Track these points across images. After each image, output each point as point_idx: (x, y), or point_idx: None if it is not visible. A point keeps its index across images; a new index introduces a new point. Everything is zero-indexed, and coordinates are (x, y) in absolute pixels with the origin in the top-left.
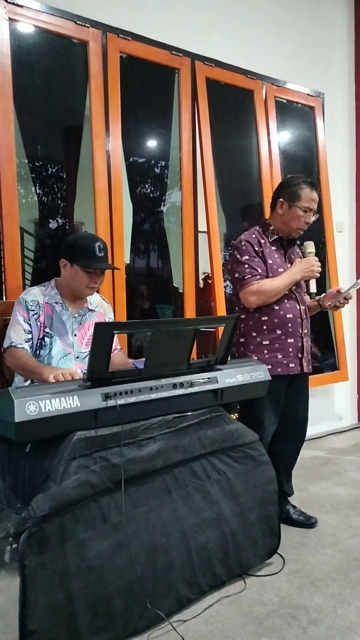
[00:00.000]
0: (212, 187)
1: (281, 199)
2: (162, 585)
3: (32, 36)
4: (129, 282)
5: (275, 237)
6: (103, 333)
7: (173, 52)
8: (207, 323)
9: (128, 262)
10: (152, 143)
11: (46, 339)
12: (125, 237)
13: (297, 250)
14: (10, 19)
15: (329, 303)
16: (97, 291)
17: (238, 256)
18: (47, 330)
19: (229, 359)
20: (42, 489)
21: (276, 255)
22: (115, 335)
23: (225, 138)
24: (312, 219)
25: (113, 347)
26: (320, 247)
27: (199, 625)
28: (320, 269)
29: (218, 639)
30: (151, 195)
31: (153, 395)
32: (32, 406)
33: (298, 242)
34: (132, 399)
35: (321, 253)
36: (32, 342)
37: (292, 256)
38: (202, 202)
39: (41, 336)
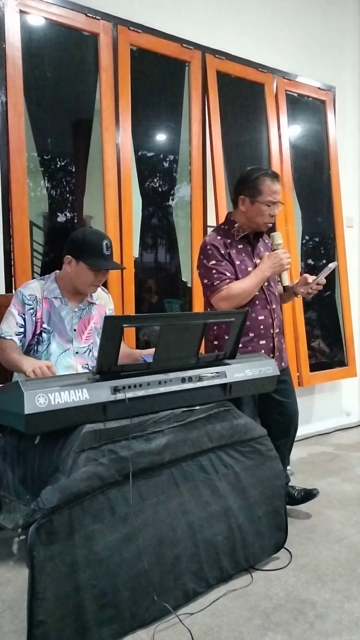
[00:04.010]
0: (221, 181)
1: (242, 196)
2: (169, 578)
3: (43, 28)
4: (137, 276)
5: (242, 234)
6: (112, 326)
7: (184, 44)
8: (216, 317)
9: (137, 256)
10: (161, 137)
11: (43, 334)
12: (134, 231)
13: (266, 242)
14: (21, 11)
15: (302, 290)
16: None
17: (205, 261)
18: (44, 325)
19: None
20: (51, 481)
21: (244, 254)
22: None
23: (236, 132)
24: (277, 210)
25: None
26: (329, 242)
27: (205, 619)
28: (289, 260)
29: (224, 632)
30: (160, 189)
31: (162, 389)
32: (41, 398)
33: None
34: (140, 393)
35: (330, 248)
36: (25, 336)
37: (262, 249)
38: (212, 196)
39: (38, 332)
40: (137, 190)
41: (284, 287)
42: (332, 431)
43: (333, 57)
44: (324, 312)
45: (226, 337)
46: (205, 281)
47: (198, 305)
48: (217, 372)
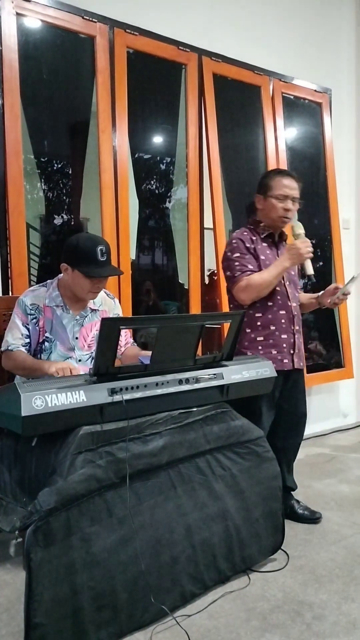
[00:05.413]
0: (218, 184)
1: (258, 195)
2: (167, 580)
3: (40, 31)
4: (134, 279)
5: (267, 233)
6: (109, 328)
7: (180, 47)
8: (213, 319)
9: (133, 258)
10: (158, 139)
11: (46, 343)
12: (131, 233)
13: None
14: (18, 14)
15: (329, 300)
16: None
17: (229, 254)
18: (47, 334)
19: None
20: (48, 483)
21: (268, 252)
22: (129, 330)
23: (232, 134)
24: (292, 205)
25: (125, 341)
26: (326, 244)
27: (202, 620)
28: (311, 248)
29: (222, 634)
30: (157, 191)
31: (159, 391)
32: (38, 400)
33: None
34: (138, 394)
35: (327, 250)
36: (30, 346)
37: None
38: (208, 198)
39: (41, 340)
40: (134, 193)
41: (308, 277)
42: (329, 432)
43: (329, 59)
44: (320, 314)
45: (247, 331)
46: (228, 273)
47: (195, 308)
48: (214, 374)
